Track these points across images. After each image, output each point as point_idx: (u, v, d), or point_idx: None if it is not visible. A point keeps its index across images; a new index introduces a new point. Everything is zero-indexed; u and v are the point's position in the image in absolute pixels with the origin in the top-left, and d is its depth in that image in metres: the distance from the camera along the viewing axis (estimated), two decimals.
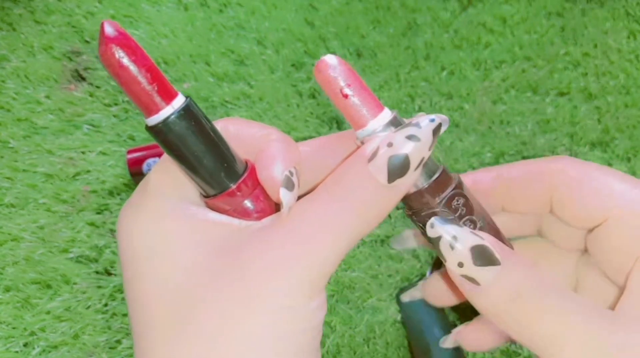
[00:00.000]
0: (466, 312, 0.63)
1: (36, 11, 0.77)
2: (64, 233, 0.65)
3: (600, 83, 0.74)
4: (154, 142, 0.68)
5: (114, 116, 0.72)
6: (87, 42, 0.76)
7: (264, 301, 0.19)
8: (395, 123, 0.20)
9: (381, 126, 0.20)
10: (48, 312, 0.61)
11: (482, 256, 0.19)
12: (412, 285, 0.64)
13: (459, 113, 0.73)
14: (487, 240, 0.20)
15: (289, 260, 0.19)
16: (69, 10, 0.77)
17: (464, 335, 0.25)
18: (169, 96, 0.19)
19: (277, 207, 0.21)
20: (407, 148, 0.19)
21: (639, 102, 0.73)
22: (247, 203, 0.20)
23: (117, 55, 0.17)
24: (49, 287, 0.62)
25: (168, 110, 0.18)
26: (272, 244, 0.19)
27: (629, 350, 0.18)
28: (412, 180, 0.20)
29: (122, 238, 0.21)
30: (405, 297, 0.28)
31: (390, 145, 0.19)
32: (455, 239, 0.20)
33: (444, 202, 0.21)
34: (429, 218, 0.21)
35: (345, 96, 0.20)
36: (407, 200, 0.21)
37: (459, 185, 0.21)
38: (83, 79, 0.73)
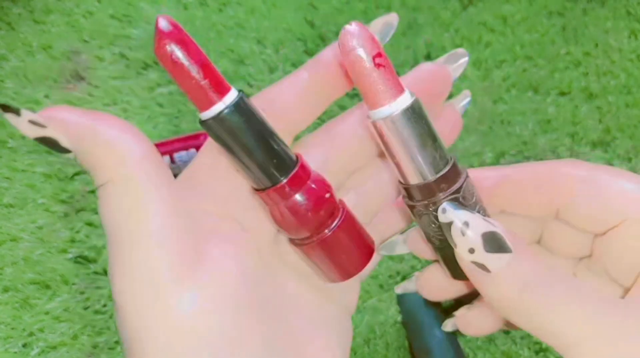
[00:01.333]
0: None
1: (35, 10, 0.77)
2: (62, 233, 0.65)
3: (601, 83, 0.74)
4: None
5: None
6: (86, 41, 0.75)
7: None
8: (414, 110, 0.19)
9: (398, 110, 0.19)
10: (47, 313, 0.61)
11: (494, 243, 0.19)
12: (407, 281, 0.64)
13: None
14: (498, 227, 0.19)
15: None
16: (68, 10, 0.77)
17: (468, 319, 0.25)
18: (221, 91, 0.19)
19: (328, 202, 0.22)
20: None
21: None
22: (298, 197, 0.21)
23: (169, 51, 0.18)
24: (47, 287, 0.62)
25: (220, 106, 0.19)
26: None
27: None
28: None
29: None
30: (399, 289, 0.28)
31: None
32: (467, 225, 0.19)
33: (454, 192, 0.20)
34: (436, 206, 0.20)
35: (377, 65, 0.18)
36: (410, 190, 0.21)
37: (467, 179, 0.21)
38: (82, 78, 0.73)
